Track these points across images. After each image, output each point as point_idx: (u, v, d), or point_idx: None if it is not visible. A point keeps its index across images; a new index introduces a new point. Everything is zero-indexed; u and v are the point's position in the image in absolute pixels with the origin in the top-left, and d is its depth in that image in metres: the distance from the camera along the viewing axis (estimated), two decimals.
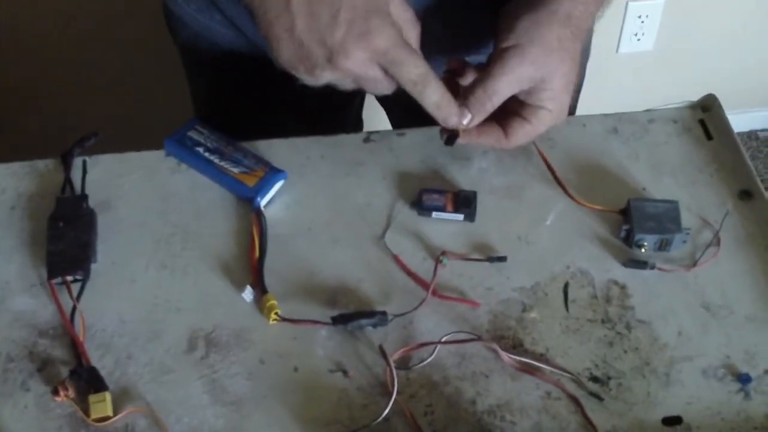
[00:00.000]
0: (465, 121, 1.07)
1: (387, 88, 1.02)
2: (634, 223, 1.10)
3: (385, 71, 0.99)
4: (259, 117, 1.37)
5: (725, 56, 2.77)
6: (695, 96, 1.27)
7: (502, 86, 1.05)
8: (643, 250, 1.11)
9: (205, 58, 1.41)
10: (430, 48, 1.05)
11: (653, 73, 2.75)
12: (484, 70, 1.06)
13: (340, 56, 0.96)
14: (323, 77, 0.99)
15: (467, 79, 1.11)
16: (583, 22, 1.08)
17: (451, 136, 1.10)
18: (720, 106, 1.25)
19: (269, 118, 1.36)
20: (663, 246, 1.11)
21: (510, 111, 1.10)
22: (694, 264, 1.10)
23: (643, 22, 2.59)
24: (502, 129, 1.11)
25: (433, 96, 1.03)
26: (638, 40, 2.65)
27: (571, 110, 1.17)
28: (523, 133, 1.10)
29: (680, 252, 1.11)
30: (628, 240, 1.11)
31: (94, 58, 2.28)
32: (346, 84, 1.02)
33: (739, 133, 1.25)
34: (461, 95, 1.07)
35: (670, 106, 1.26)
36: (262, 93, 1.34)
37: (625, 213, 1.12)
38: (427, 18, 1.05)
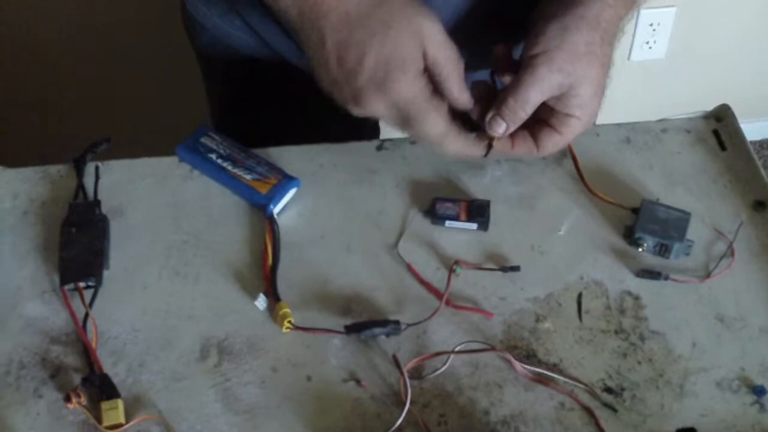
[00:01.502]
0: (500, 131, 1.06)
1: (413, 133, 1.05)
2: (638, 221, 1.11)
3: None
4: (277, 122, 1.37)
5: (737, 64, 2.76)
6: (707, 104, 1.27)
7: (533, 94, 1.04)
8: (640, 249, 1.11)
9: (223, 64, 1.40)
10: None
11: (665, 81, 2.75)
12: (515, 79, 1.06)
13: (362, 100, 0.99)
14: (353, 111, 1.02)
15: (505, 78, 1.09)
16: (612, 26, 1.07)
17: (488, 145, 1.09)
18: (733, 116, 1.25)
19: (287, 123, 1.36)
20: (662, 252, 1.10)
21: (539, 119, 1.09)
22: (708, 275, 1.09)
23: (654, 30, 2.58)
24: (532, 139, 1.10)
25: (453, 149, 1.06)
26: (650, 48, 2.64)
27: None
28: (552, 143, 1.10)
29: (694, 263, 1.11)
30: (629, 236, 1.12)
31: (107, 63, 2.28)
32: (388, 121, 1.04)
33: (751, 142, 1.25)
34: (495, 104, 1.06)
35: (683, 116, 1.26)
36: (280, 99, 1.34)
37: (636, 212, 1.12)
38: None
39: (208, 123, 1.49)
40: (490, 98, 1.07)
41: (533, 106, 1.05)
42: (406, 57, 0.99)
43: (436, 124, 1.03)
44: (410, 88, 1.00)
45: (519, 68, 1.07)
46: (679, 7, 2.55)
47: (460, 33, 1.18)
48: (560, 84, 1.04)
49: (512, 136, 1.09)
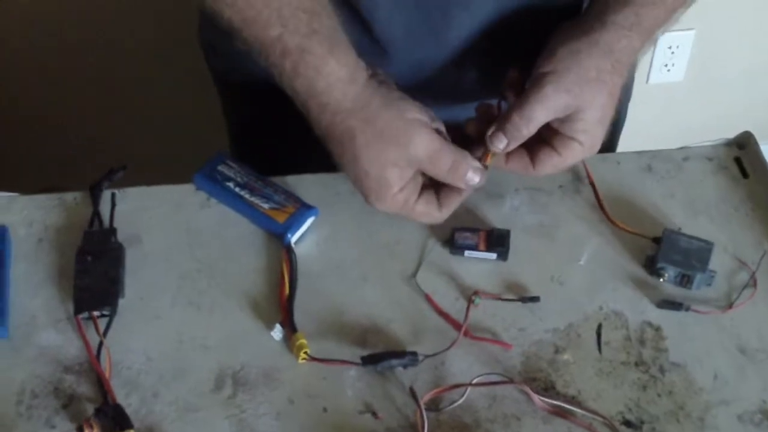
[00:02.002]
0: (501, 146, 1.06)
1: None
2: (660, 251, 1.09)
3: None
4: (295, 148, 1.36)
5: (756, 87, 2.74)
6: (726, 126, 1.25)
7: (538, 113, 1.04)
8: (661, 279, 1.09)
9: (241, 88, 1.40)
10: (459, 96, 1.09)
11: (683, 103, 2.73)
12: (521, 96, 1.06)
13: (372, 204, 1.08)
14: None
15: (513, 96, 1.10)
16: (624, 57, 1.07)
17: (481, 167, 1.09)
18: (756, 143, 1.23)
19: (305, 149, 1.35)
20: (684, 282, 1.09)
21: (541, 139, 1.09)
22: (730, 306, 1.08)
23: (673, 52, 2.57)
24: (530, 157, 1.10)
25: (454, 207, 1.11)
26: (668, 70, 2.63)
27: (611, 147, 1.16)
28: (551, 164, 1.10)
29: (716, 293, 1.09)
30: (650, 266, 1.10)
31: (124, 88, 2.27)
32: None
33: None
34: (497, 120, 1.07)
35: (705, 144, 1.24)
36: (298, 124, 1.33)
37: (658, 242, 1.11)
38: (455, 69, 1.09)
39: (226, 148, 1.49)
40: (491, 119, 1.09)
41: (537, 125, 1.05)
42: (390, 176, 1.05)
43: (430, 214, 1.09)
44: (396, 198, 1.06)
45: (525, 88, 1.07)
46: (698, 30, 2.53)
47: (471, 64, 1.19)
48: (566, 105, 1.04)
49: (507, 152, 1.09)
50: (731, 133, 1.25)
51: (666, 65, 2.61)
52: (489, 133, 1.07)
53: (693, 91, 2.71)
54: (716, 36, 2.57)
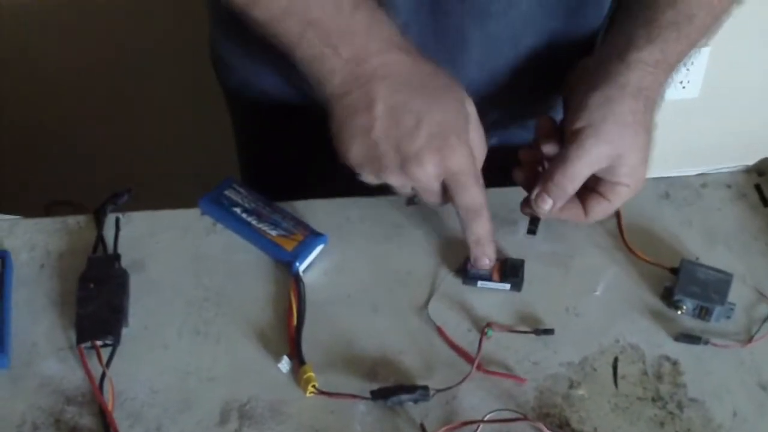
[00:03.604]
0: (547, 208, 1.07)
1: (438, 203, 1.05)
2: (678, 283, 1.07)
3: (446, 188, 1.02)
4: (306, 167, 1.35)
5: None
6: (742, 144, 1.24)
7: (581, 169, 1.05)
8: (679, 312, 1.07)
9: (252, 105, 1.38)
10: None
11: (699, 120, 2.71)
12: (561, 154, 1.06)
13: (413, 165, 0.99)
14: (388, 180, 1.02)
15: (548, 147, 1.10)
16: (653, 93, 1.06)
17: (533, 220, 1.12)
18: None
19: (315, 169, 1.33)
20: (702, 314, 1.07)
21: (587, 187, 1.09)
22: (750, 339, 1.06)
23: (688, 69, 2.53)
24: (581, 204, 1.10)
25: (480, 229, 1.06)
26: (683, 87, 2.61)
27: None
28: (601, 210, 1.10)
29: (735, 326, 1.07)
30: (667, 298, 1.08)
31: (130, 110, 2.26)
32: (404, 189, 1.04)
33: None
34: (540, 180, 1.07)
35: (723, 170, 1.22)
36: (310, 143, 1.32)
37: (675, 272, 1.09)
38: (478, 105, 1.06)
39: (235, 171, 1.47)
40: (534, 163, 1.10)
41: (581, 181, 1.05)
42: (461, 126, 1.01)
43: (480, 193, 1.03)
44: (465, 155, 1.01)
45: (562, 139, 1.07)
46: (714, 47, 2.51)
47: (489, 91, 1.18)
48: (608, 156, 1.04)
49: None
50: (748, 151, 1.23)
51: (681, 82, 2.59)
52: (533, 195, 1.08)
53: (709, 108, 2.70)
54: (731, 52, 2.55)
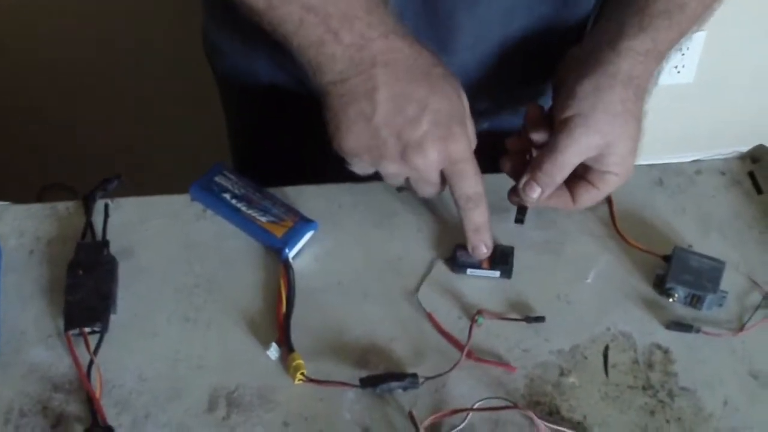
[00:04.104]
0: (535, 196, 1.07)
1: (433, 193, 1.05)
2: (670, 271, 1.06)
3: (444, 178, 1.02)
4: (298, 153, 1.34)
5: (766, 89, 2.72)
6: (736, 130, 1.24)
7: (570, 157, 1.04)
8: (671, 300, 1.06)
9: (244, 92, 1.38)
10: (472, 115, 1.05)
11: (693, 105, 2.71)
12: (550, 143, 1.06)
13: (414, 152, 0.99)
14: (385, 168, 1.02)
15: (537, 135, 1.10)
16: (644, 81, 1.06)
17: (520, 209, 1.12)
18: None
19: (308, 154, 1.33)
20: (694, 302, 1.06)
21: (576, 174, 1.08)
22: (742, 328, 1.05)
23: (683, 54, 2.55)
24: (569, 192, 1.10)
25: (479, 218, 1.05)
26: (678, 72, 2.61)
27: None
28: (589, 197, 1.10)
29: (727, 314, 1.06)
30: (659, 286, 1.08)
31: (123, 96, 2.25)
32: (398, 179, 1.04)
33: None
34: (529, 168, 1.07)
35: (717, 157, 1.21)
36: (302, 129, 1.31)
37: (668, 260, 1.08)
38: (469, 89, 1.05)
39: (227, 155, 1.47)
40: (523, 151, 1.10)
41: (570, 170, 1.05)
42: (461, 116, 1.01)
43: (478, 182, 1.03)
44: (467, 143, 1.01)
45: (551, 127, 1.07)
46: (709, 32, 2.51)
47: (481, 77, 1.17)
48: (597, 145, 1.04)
49: None
50: (742, 136, 1.23)
51: (676, 67, 2.59)
52: (522, 183, 1.07)
53: (703, 93, 2.70)
54: (727, 38, 2.55)
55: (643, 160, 1.12)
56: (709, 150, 1.25)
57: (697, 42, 2.54)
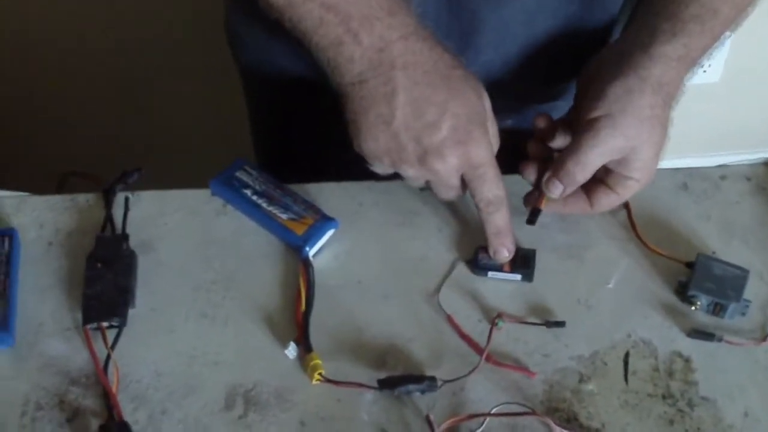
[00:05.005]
0: (557, 193, 1.06)
1: (453, 196, 1.05)
2: (693, 278, 1.05)
3: (465, 182, 1.02)
4: (320, 148, 1.33)
5: None
6: (763, 130, 1.22)
7: (594, 158, 1.04)
8: (693, 308, 1.05)
9: (267, 84, 1.38)
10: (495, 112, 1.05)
11: (719, 105, 2.70)
12: (574, 142, 1.05)
13: (434, 157, 0.98)
14: (404, 172, 1.01)
15: (556, 141, 1.09)
16: (674, 89, 1.05)
17: (533, 211, 1.10)
18: None
19: (331, 150, 1.33)
20: (716, 311, 1.05)
21: (595, 178, 1.07)
22: (765, 338, 1.04)
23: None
24: (586, 196, 1.10)
25: (500, 221, 1.05)
26: (704, 71, 2.59)
27: None
28: (608, 202, 1.09)
29: (750, 324, 1.05)
30: (682, 293, 1.06)
31: (143, 88, 2.25)
32: (418, 182, 1.04)
33: None
34: (552, 166, 1.06)
35: (743, 163, 1.20)
36: (326, 121, 1.31)
37: (691, 267, 1.07)
38: (493, 87, 1.05)
39: (249, 151, 1.46)
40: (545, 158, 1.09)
41: (593, 170, 1.04)
42: (482, 119, 1.00)
43: (500, 186, 1.03)
44: (488, 147, 1.01)
45: (569, 129, 1.07)
46: (736, 31, 2.50)
47: (503, 75, 1.17)
48: (622, 148, 1.03)
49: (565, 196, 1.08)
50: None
51: (702, 66, 2.57)
52: (545, 179, 1.07)
53: (729, 93, 2.68)
54: (753, 36, 2.53)
55: (668, 160, 1.11)
56: (735, 150, 1.24)
57: (723, 42, 2.53)
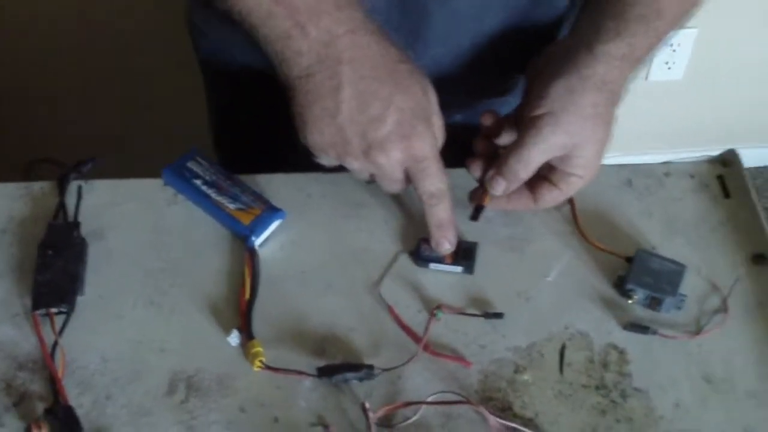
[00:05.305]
0: (500, 190, 1.08)
1: (397, 189, 1.06)
2: (631, 273, 1.07)
3: (409, 175, 1.03)
4: (275, 136, 1.35)
5: (755, 88, 2.72)
6: (723, 127, 1.24)
7: (536, 155, 1.05)
8: (630, 301, 1.08)
9: (223, 74, 1.39)
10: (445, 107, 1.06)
11: (681, 101, 2.71)
12: (517, 139, 1.06)
13: (377, 151, 1.00)
14: (348, 165, 1.03)
15: (502, 138, 1.11)
16: (617, 87, 1.06)
17: (477, 208, 1.12)
18: (740, 163, 1.21)
19: (283, 140, 1.34)
20: (653, 305, 1.07)
21: (539, 175, 1.09)
22: (699, 331, 1.06)
23: (674, 50, 2.55)
24: (530, 192, 1.11)
25: (442, 214, 1.06)
26: (668, 68, 2.61)
27: None
28: (551, 198, 1.11)
29: (685, 318, 1.07)
30: (620, 286, 1.09)
31: (104, 76, 2.25)
32: (363, 175, 1.05)
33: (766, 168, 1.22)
34: (495, 163, 1.08)
35: (687, 160, 1.22)
36: (282, 112, 1.32)
37: (630, 261, 1.09)
38: (442, 81, 1.06)
39: (207, 137, 1.47)
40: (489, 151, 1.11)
41: (535, 167, 1.06)
42: (426, 113, 1.01)
43: (442, 179, 1.04)
44: (431, 142, 1.02)
45: (515, 126, 1.08)
46: (701, 29, 2.51)
47: (452, 69, 1.18)
48: (564, 145, 1.05)
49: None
50: (728, 134, 1.23)
51: (666, 63, 2.59)
52: (488, 176, 1.08)
53: (692, 90, 2.70)
54: (718, 35, 2.55)
55: (614, 157, 1.13)
56: (690, 146, 1.25)
57: (688, 39, 2.54)
